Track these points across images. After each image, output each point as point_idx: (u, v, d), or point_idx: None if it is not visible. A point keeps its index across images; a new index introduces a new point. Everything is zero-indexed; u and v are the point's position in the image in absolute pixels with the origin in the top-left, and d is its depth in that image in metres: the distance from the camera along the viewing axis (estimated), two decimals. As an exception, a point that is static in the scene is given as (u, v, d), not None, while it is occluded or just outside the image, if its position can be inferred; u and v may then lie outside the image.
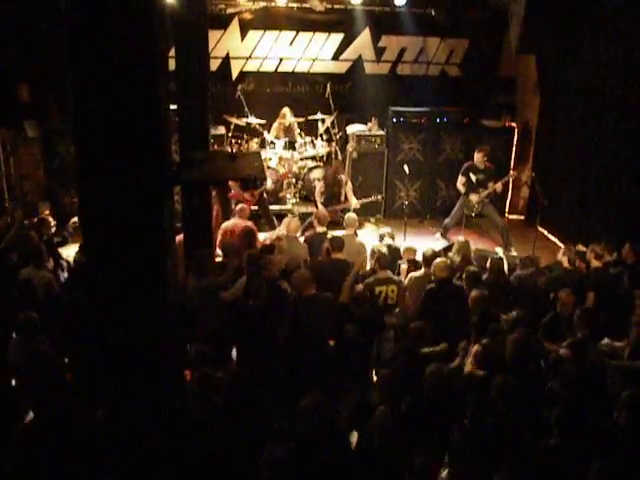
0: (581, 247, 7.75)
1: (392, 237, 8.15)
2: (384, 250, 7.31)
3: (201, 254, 6.45)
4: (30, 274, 6.37)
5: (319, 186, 9.96)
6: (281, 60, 11.75)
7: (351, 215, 8.28)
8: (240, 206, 8.44)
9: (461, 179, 9.77)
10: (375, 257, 6.87)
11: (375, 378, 6.00)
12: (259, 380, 5.18)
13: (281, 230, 8.15)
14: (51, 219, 7.97)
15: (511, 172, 10.20)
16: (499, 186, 9.64)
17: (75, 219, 8.01)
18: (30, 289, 6.06)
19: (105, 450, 3.78)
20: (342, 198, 9.83)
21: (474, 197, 9.66)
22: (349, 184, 9.96)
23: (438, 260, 6.75)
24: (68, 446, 4.08)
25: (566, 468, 4.02)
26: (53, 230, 7.82)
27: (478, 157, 9.65)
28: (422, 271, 6.96)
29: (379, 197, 10.44)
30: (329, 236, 7.60)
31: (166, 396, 3.47)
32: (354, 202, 9.78)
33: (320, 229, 8.03)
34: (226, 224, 8.11)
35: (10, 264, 6.68)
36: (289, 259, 6.90)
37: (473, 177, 9.67)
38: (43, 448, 4.05)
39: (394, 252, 7.65)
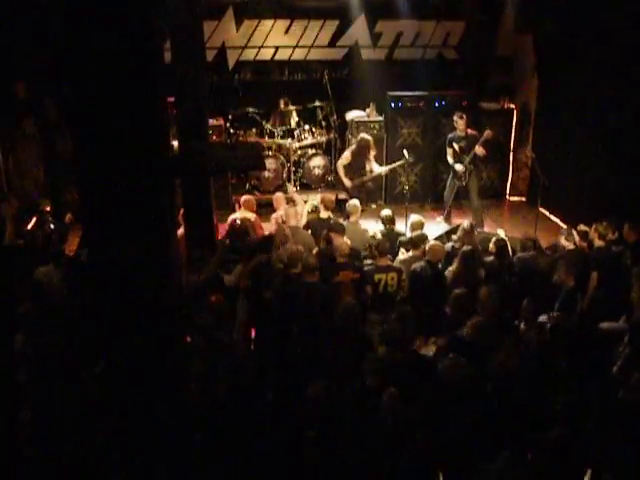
0: (583, 227, 7.74)
1: (392, 220, 8.08)
2: (379, 236, 7.33)
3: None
4: (49, 272, 6.38)
5: (344, 158, 9.65)
6: (277, 48, 11.71)
7: (353, 202, 8.26)
8: (245, 197, 8.46)
9: (448, 151, 9.89)
10: (374, 244, 6.88)
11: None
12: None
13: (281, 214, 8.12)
14: (51, 216, 7.98)
15: (486, 132, 9.63)
16: (479, 149, 9.55)
17: (69, 215, 8.03)
18: (44, 287, 6.07)
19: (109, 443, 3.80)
20: (367, 169, 9.61)
21: (459, 167, 9.71)
22: (372, 154, 9.71)
23: (433, 243, 6.78)
24: (72, 438, 4.13)
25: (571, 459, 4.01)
26: (52, 226, 7.83)
27: (460, 123, 9.66)
28: (410, 254, 6.99)
29: (409, 159, 9.76)
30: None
31: (169, 390, 3.48)
32: (381, 170, 9.67)
33: (324, 214, 8.01)
34: (233, 217, 8.14)
35: (21, 262, 6.72)
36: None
37: (456, 146, 9.73)
38: (46, 441, 4.10)
39: (393, 237, 7.64)
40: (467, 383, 4.55)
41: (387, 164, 9.97)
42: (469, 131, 9.76)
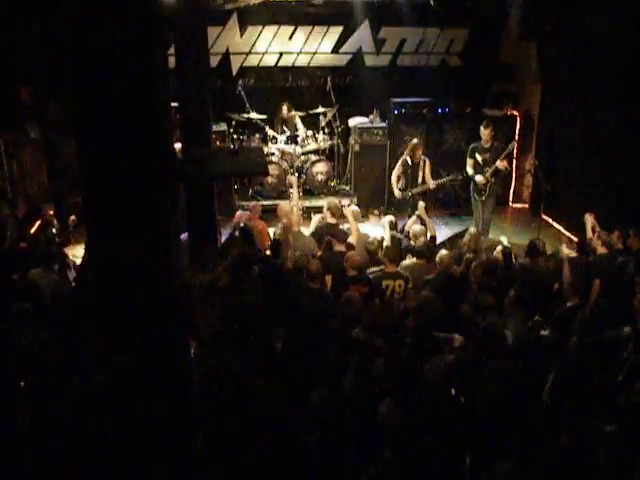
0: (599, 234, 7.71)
1: (395, 227, 8.08)
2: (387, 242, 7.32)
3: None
4: (39, 275, 6.41)
5: (396, 170, 9.35)
6: (281, 54, 11.73)
7: (354, 208, 8.25)
8: (253, 204, 8.51)
9: (469, 161, 9.45)
10: (383, 250, 6.87)
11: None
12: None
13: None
14: (55, 220, 7.99)
15: (511, 144, 9.47)
16: (500, 163, 9.14)
17: (73, 217, 8.04)
18: (37, 290, 6.09)
19: (106, 442, 3.78)
20: (419, 180, 9.21)
21: (479, 178, 9.28)
22: (427, 165, 9.26)
23: (444, 252, 6.74)
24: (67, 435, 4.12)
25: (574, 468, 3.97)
26: (55, 230, 7.84)
27: (485, 133, 9.23)
28: (414, 260, 6.97)
29: (459, 177, 9.63)
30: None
31: (172, 393, 3.47)
32: (431, 183, 9.21)
33: (332, 220, 7.98)
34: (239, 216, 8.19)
35: (18, 265, 6.74)
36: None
37: (479, 157, 9.30)
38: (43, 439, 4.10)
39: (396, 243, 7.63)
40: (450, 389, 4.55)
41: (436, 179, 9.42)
42: (495, 142, 9.37)
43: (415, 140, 9.47)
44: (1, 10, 8.77)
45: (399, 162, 9.34)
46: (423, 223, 8.13)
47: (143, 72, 2.97)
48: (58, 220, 8.19)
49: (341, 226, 7.92)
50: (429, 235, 7.87)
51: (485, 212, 9.50)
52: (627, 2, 8.49)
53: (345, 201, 10.69)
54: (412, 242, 7.55)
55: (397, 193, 9.26)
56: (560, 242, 8.08)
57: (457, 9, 11.39)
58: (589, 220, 7.67)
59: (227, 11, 11.10)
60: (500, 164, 9.18)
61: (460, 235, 8.09)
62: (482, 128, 9.31)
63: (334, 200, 8.62)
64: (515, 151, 11.38)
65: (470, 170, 9.44)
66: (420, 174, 9.20)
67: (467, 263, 6.67)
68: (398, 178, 9.28)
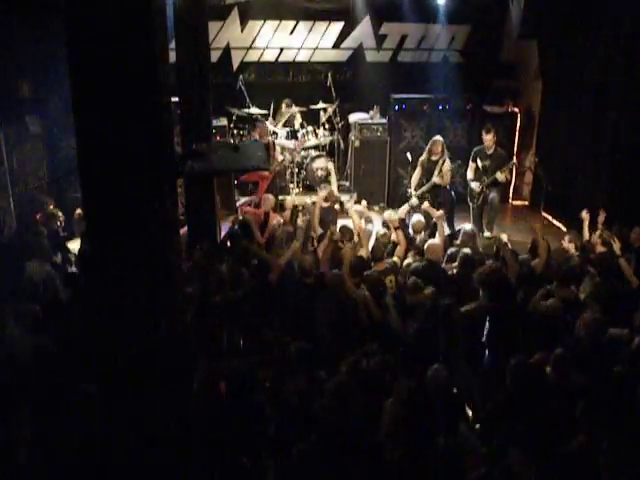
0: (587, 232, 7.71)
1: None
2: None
3: None
4: (33, 268, 6.41)
5: (416, 173, 9.19)
6: (282, 50, 11.73)
7: (358, 208, 8.25)
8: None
9: (470, 165, 9.34)
10: (370, 249, 6.94)
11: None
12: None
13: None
14: (60, 213, 7.99)
15: (512, 161, 9.49)
16: (500, 175, 9.03)
17: (79, 210, 8.03)
18: (34, 284, 6.09)
19: (105, 447, 3.77)
20: (435, 177, 8.97)
21: (474, 185, 9.21)
22: (445, 165, 8.94)
23: (430, 242, 6.77)
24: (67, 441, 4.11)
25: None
26: (60, 224, 7.84)
27: (487, 139, 9.09)
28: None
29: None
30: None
31: (170, 391, 3.46)
32: (435, 178, 8.95)
33: (324, 204, 8.04)
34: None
35: (17, 258, 6.73)
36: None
37: (480, 163, 9.21)
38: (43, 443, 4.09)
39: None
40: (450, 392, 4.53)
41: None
42: (498, 149, 9.24)
43: (436, 137, 9.26)
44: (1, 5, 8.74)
45: (418, 163, 9.22)
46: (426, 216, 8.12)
47: (144, 67, 2.96)
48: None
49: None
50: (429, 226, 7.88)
51: (493, 204, 9.36)
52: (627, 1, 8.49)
53: (345, 197, 10.67)
54: (411, 233, 7.59)
55: (412, 193, 9.11)
56: (558, 240, 8.01)
57: (459, 5, 11.35)
58: (586, 218, 7.65)
59: (228, 6, 11.11)
60: (500, 176, 9.06)
61: (455, 235, 8.03)
62: (484, 133, 9.20)
63: (328, 187, 8.62)
64: (515, 148, 11.40)
65: (469, 175, 9.38)
66: (436, 172, 8.97)
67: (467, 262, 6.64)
68: (417, 180, 9.11)
